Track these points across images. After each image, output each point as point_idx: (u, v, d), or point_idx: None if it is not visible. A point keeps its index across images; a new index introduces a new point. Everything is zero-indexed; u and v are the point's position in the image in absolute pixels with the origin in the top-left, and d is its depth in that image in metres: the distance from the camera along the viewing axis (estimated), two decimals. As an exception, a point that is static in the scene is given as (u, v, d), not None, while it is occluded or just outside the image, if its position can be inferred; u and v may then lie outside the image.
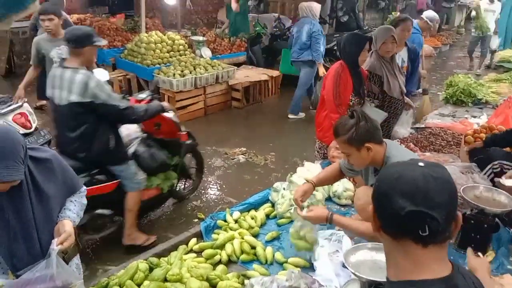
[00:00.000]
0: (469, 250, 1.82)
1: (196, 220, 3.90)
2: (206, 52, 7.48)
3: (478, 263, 1.70)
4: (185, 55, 7.25)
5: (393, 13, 12.10)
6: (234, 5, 8.19)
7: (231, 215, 3.35)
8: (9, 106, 4.14)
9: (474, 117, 5.71)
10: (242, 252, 2.91)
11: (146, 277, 2.60)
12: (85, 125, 3.11)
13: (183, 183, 4.36)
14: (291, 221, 3.11)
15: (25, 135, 4.03)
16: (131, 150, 3.55)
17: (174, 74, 6.49)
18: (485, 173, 3.38)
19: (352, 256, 2.11)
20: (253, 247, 2.95)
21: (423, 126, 5.31)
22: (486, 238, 2.82)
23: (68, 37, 3.10)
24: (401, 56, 4.72)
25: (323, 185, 2.77)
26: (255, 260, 2.89)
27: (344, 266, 2.46)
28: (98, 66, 4.80)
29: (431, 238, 1.06)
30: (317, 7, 6.66)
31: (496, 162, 3.39)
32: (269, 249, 2.93)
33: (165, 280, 2.56)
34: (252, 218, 3.30)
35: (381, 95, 3.99)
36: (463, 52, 11.09)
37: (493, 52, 9.94)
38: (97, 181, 3.26)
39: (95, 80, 3.05)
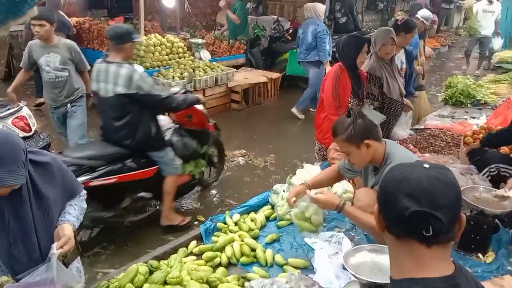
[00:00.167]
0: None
1: (196, 222, 3.89)
2: (205, 55, 7.47)
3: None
4: (184, 57, 7.24)
5: (399, 12, 12.00)
6: (233, 17, 8.20)
7: (231, 217, 3.36)
8: (9, 109, 4.13)
9: (473, 118, 5.70)
10: (242, 254, 2.91)
11: (146, 280, 2.60)
12: (129, 114, 3.40)
13: (208, 171, 4.60)
14: (291, 223, 3.11)
15: (25, 138, 4.02)
16: (166, 139, 3.78)
17: (173, 77, 6.49)
18: (483, 175, 3.39)
19: (352, 258, 2.11)
20: (253, 250, 2.96)
21: (422, 127, 5.31)
22: (486, 239, 2.83)
23: (111, 35, 3.41)
24: (400, 58, 4.72)
25: (319, 187, 2.76)
26: (255, 263, 2.89)
27: (344, 268, 2.45)
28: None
29: (434, 238, 1.06)
30: (321, 7, 6.70)
31: (493, 166, 3.40)
32: (269, 251, 2.93)
33: (165, 283, 2.56)
34: (252, 220, 3.30)
35: (380, 96, 3.99)
36: (462, 53, 11.07)
37: (491, 53, 9.87)
38: (141, 166, 3.55)
39: (138, 73, 3.35)
